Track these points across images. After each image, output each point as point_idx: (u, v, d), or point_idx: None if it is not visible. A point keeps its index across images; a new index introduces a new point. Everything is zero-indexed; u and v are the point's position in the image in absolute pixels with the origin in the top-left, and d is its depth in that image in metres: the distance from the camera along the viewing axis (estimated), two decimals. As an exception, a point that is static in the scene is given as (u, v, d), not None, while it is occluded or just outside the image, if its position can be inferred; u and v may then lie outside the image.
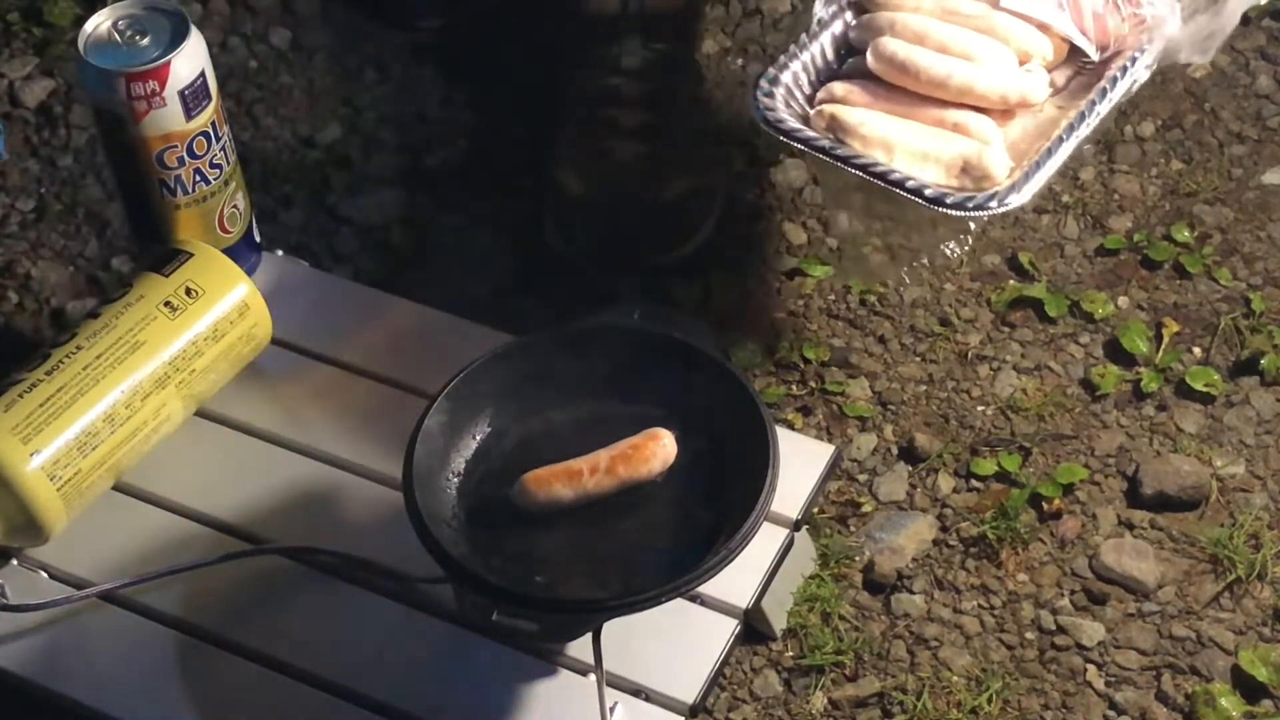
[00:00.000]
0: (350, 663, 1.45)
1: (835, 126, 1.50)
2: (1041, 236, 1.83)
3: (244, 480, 1.56)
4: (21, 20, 2.06)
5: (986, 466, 1.65)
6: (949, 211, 1.46)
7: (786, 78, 1.54)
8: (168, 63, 1.54)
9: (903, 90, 1.52)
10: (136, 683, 1.46)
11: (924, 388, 1.71)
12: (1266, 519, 1.60)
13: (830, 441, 1.65)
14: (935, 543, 1.60)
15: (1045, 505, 1.62)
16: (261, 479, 1.56)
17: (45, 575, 1.52)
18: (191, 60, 1.56)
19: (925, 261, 1.64)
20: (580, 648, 1.41)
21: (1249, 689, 1.50)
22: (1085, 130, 1.48)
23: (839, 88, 1.54)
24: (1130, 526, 1.61)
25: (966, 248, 1.58)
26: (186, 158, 1.59)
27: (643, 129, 1.78)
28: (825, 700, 1.51)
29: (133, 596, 1.49)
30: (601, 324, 1.54)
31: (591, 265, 1.76)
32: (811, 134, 1.50)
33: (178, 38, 1.56)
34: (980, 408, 1.70)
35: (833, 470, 1.58)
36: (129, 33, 1.56)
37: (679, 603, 1.39)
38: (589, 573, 1.39)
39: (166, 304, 1.56)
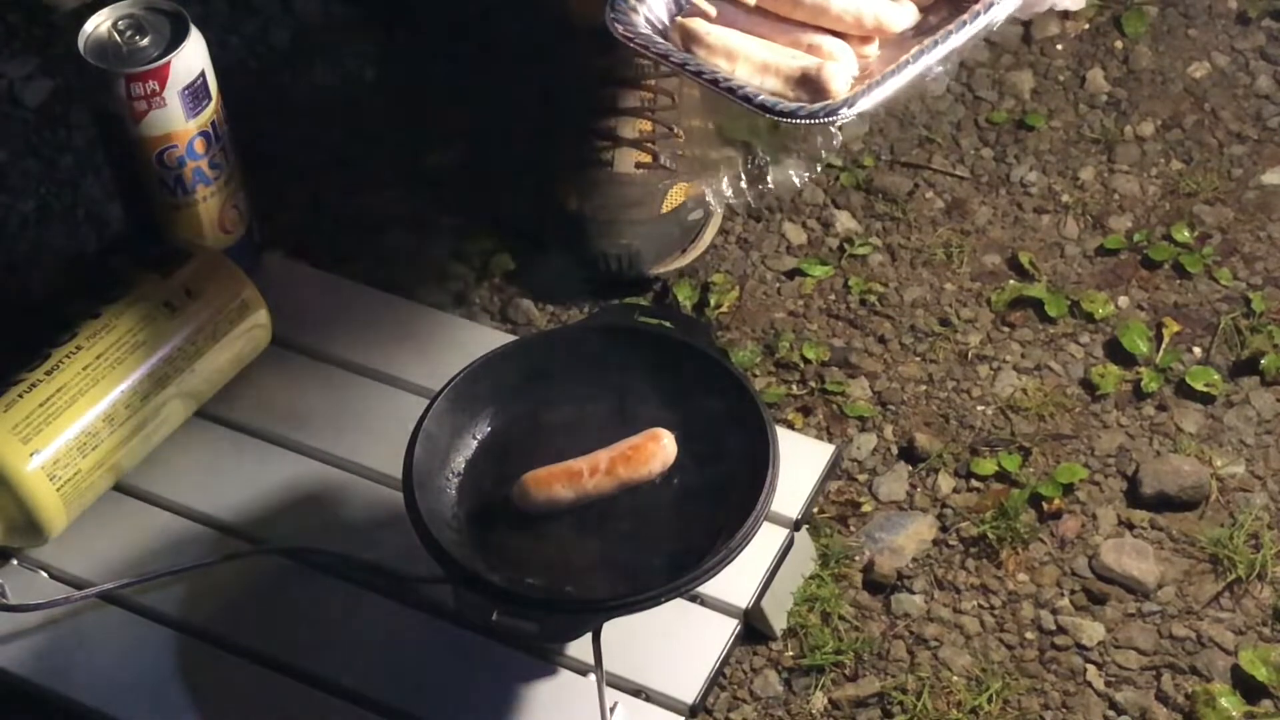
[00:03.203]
0: (350, 663, 1.45)
1: (685, 37, 1.48)
2: (1041, 236, 1.83)
3: (244, 480, 1.56)
4: (22, 20, 2.06)
5: (986, 466, 1.65)
6: (778, 119, 1.42)
7: None
8: (168, 63, 1.55)
9: (763, 13, 1.50)
10: (136, 683, 1.46)
11: (924, 388, 1.71)
12: (1266, 519, 1.60)
13: (830, 441, 1.65)
14: (935, 543, 1.60)
15: (1045, 505, 1.62)
16: (261, 479, 1.56)
17: (45, 575, 1.52)
18: (191, 60, 1.56)
19: (770, 185, 1.61)
20: (580, 648, 1.41)
21: (1249, 689, 1.50)
22: (933, 56, 1.44)
23: (700, 4, 1.52)
24: (1130, 526, 1.61)
25: (816, 173, 1.55)
26: (186, 158, 1.59)
27: (640, 139, 1.78)
28: (825, 700, 1.52)
29: (133, 596, 1.49)
30: (601, 324, 1.54)
31: (595, 279, 1.76)
32: (655, 40, 1.47)
33: (178, 38, 1.56)
34: (980, 408, 1.70)
35: (833, 470, 1.58)
36: (129, 33, 1.56)
37: (679, 603, 1.39)
38: (589, 573, 1.39)
39: (166, 304, 1.56)
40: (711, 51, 1.45)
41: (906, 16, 1.49)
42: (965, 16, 1.46)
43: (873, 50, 1.48)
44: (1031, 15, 1.51)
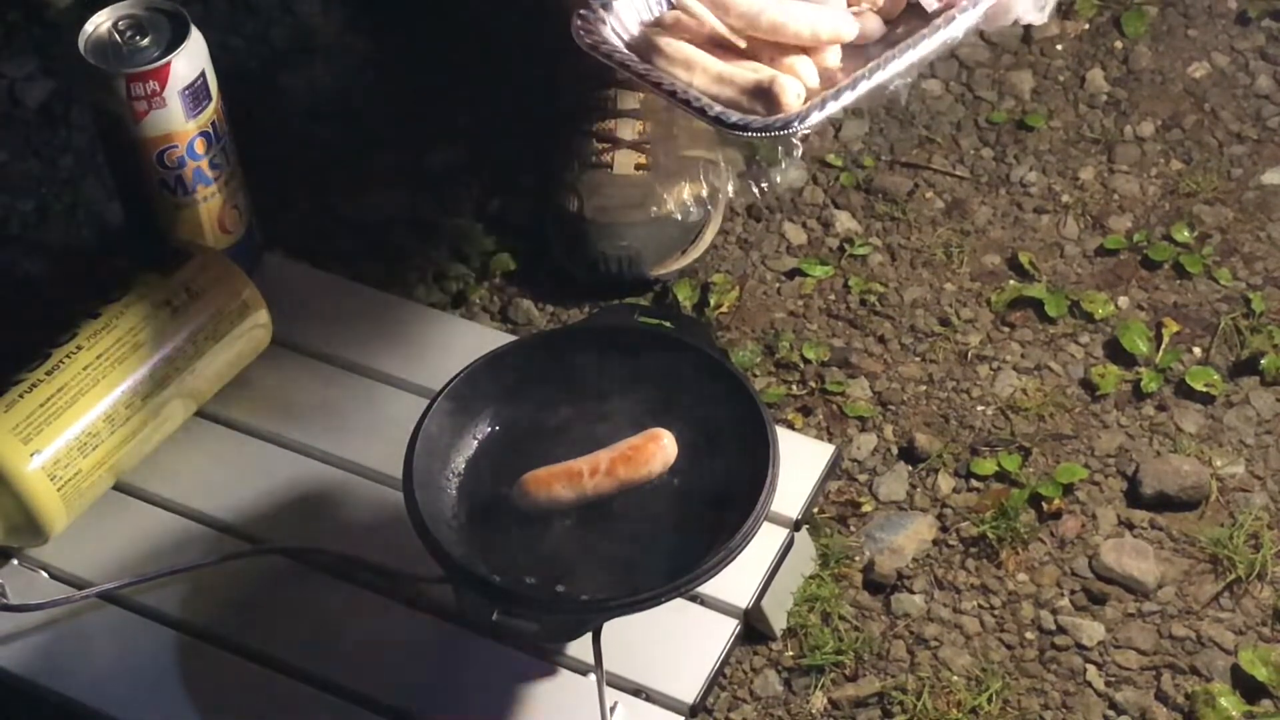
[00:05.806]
0: (351, 663, 1.45)
1: (647, 46, 1.48)
2: (1041, 236, 1.83)
3: (244, 480, 1.56)
4: (22, 20, 2.06)
5: (986, 466, 1.65)
6: (729, 132, 1.42)
7: (620, 4, 1.52)
8: (168, 63, 1.55)
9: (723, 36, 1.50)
10: (136, 683, 1.46)
11: (924, 388, 1.71)
12: (1266, 519, 1.60)
13: (830, 441, 1.65)
14: (935, 543, 1.60)
15: (1045, 505, 1.62)
16: (261, 479, 1.56)
17: (45, 575, 1.52)
18: (191, 60, 1.57)
19: (731, 193, 1.60)
20: (580, 648, 1.41)
21: (1249, 689, 1.50)
22: (890, 70, 1.44)
23: (669, 16, 1.52)
24: (1130, 526, 1.61)
25: (776, 182, 1.54)
26: (186, 158, 1.60)
27: (639, 140, 1.78)
28: (825, 700, 1.52)
29: (133, 596, 1.49)
30: (601, 324, 1.54)
31: (596, 280, 1.77)
32: (617, 50, 1.48)
33: (178, 38, 1.56)
34: (980, 408, 1.70)
35: (833, 470, 1.58)
36: (129, 33, 1.56)
37: (679, 603, 1.39)
38: (589, 573, 1.39)
39: (167, 304, 1.56)
40: (670, 61, 1.45)
41: (867, 26, 1.49)
42: (925, 30, 1.46)
43: (834, 59, 1.48)
44: (995, 29, 1.50)
